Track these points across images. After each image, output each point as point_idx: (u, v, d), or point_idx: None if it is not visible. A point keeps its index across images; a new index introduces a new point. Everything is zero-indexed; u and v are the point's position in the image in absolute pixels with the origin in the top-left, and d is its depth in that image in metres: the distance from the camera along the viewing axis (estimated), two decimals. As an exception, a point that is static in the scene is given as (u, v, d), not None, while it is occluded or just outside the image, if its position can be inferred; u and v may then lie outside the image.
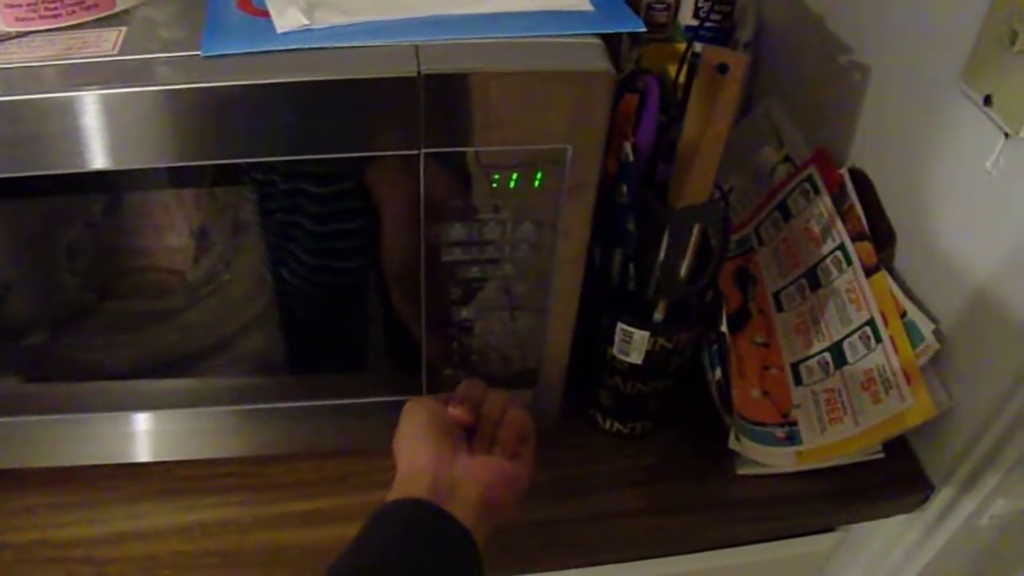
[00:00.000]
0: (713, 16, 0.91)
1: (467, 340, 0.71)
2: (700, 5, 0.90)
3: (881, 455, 0.80)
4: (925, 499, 0.80)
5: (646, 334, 0.73)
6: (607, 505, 0.78)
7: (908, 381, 0.74)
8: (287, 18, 0.57)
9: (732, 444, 0.78)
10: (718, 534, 0.80)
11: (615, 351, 0.75)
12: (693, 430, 0.83)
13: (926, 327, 0.75)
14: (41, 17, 0.56)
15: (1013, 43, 0.63)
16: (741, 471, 0.80)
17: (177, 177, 0.61)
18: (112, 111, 0.53)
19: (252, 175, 0.61)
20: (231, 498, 0.77)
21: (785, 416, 0.81)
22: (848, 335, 0.80)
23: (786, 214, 0.91)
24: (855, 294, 0.81)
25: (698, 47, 0.70)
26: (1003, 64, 0.66)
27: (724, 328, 0.75)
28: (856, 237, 0.82)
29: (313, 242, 0.65)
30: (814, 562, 0.91)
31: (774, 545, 0.85)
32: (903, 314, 0.77)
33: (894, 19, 0.80)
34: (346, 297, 0.72)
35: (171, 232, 0.66)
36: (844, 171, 0.85)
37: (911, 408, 0.74)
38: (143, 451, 0.78)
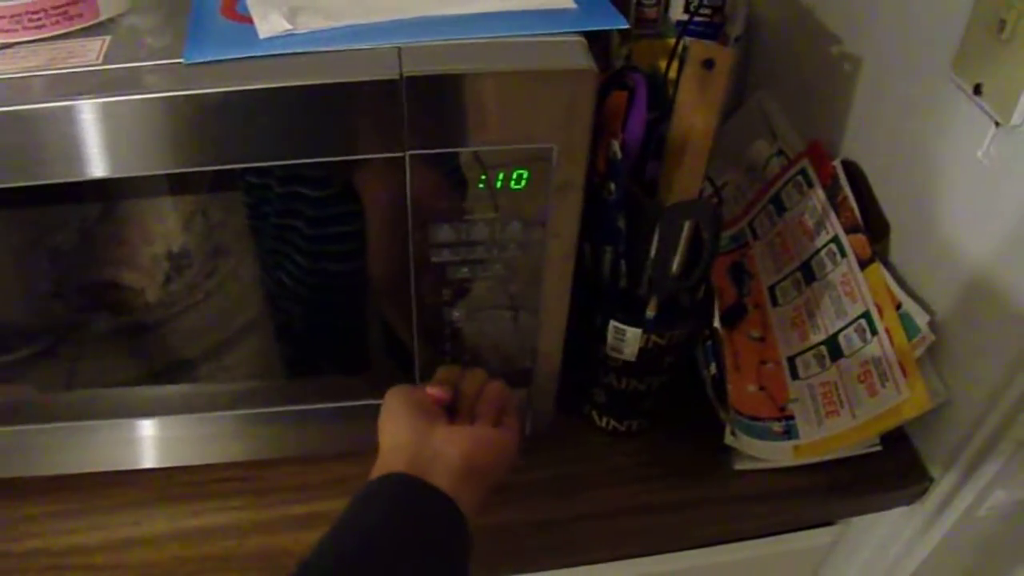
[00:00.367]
0: (703, 11, 0.91)
1: (459, 340, 0.71)
2: (690, 0, 0.90)
3: (879, 447, 0.80)
4: (924, 491, 0.80)
5: (639, 331, 0.73)
6: (604, 503, 0.78)
7: (904, 373, 0.74)
8: (270, 23, 0.57)
9: (728, 440, 0.78)
10: (717, 530, 0.80)
11: (608, 349, 0.75)
12: (689, 426, 0.82)
13: (921, 318, 0.75)
14: (25, 28, 0.56)
15: (1001, 31, 0.63)
16: (738, 466, 0.80)
17: (167, 184, 0.61)
18: (97, 121, 0.54)
19: (246, 179, 0.61)
20: (229, 503, 0.77)
21: (782, 410, 0.81)
22: (843, 328, 0.80)
23: (780, 208, 0.91)
24: (850, 287, 0.80)
25: (689, 42, 0.70)
26: (992, 53, 0.65)
27: (717, 324, 0.75)
28: (850, 229, 0.81)
29: (308, 245, 0.65)
30: (814, 556, 0.91)
31: (773, 540, 0.85)
32: (898, 306, 0.77)
33: (884, 10, 0.80)
34: (341, 300, 0.72)
35: (163, 240, 0.66)
36: (837, 163, 0.85)
37: (908, 400, 0.74)
38: (143, 457, 0.78)
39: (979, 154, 0.69)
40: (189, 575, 0.73)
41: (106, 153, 0.55)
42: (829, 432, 0.78)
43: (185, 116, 0.54)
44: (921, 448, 0.81)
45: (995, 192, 0.69)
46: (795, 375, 0.83)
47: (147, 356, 0.73)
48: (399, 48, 0.56)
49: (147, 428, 0.76)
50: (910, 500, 0.81)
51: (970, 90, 0.68)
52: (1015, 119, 0.64)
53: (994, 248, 0.70)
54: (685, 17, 0.90)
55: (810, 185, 0.87)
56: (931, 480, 0.79)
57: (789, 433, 0.80)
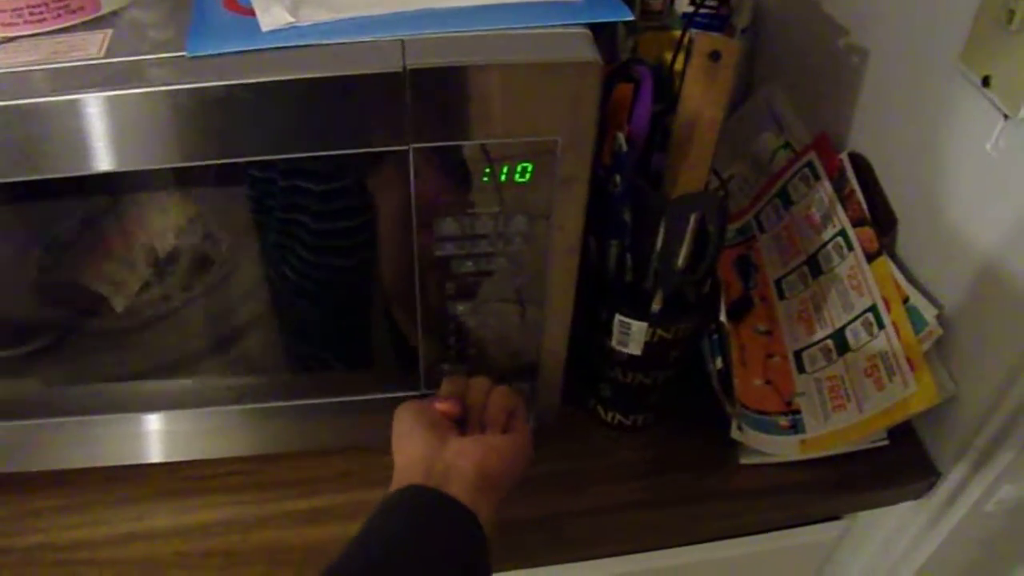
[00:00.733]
0: (709, 2, 0.90)
1: (464, 334, 0.71)
2: (695, -9, 0.90)
3: (886, 442, 0.79)
4: (931, 486, 0.80)
5: (644, 325, 0.72)
6: (610, 497, 0.78)
7: (911, 367, 0.74)
8: (272, 16, 0.56)
9: (734, 434, 0.78)
10: (723, 525, 0.80)
11: (614, 343, 0.75)
12: (695, 421, 0.82)
13: (929, 312, 0.75)
14: (26, 22, 0.56)
15: (1010, 23, 0.63)
16: (744, 461, 0.80)
17: (170, 178, 0.61)
18: (101, 114, 0.53)
19: (249, 173, 0.61)
20: (233, 497, 0.77)
21: (788, 404, 0.81)
22: (850, 321, 0.80)
23: (787, 201, 0.90)
24: (857, 280, 0.80)
25: (695, 34, 0.69)
26: (1001, 45, 0.65)
27: (723, 317, 0.74)
28: (857, 222, 0.81)
29: (313, 240, 0.65)
30: (820, 551, 0.91)
31: (779, 535, 0.84)
32: (905, 299, 0.76)
33: (891, 1, 0.79)
34: (345, 294, 0.72)
35: (166, 234, 0.66)
36: (844, 156, 0.84)
37: (915, 394, 0.73)
38: (149, 452, 0.78)
39: (987, 147, 0.68)
40: (192, 569, 0.73)
41: (111, 147, 0.55)
42: (835, 426, 0.78)
43: (189, 110, 0.54)
44: (928, 442, 0.80)
45: (1003, 185, 0.68)
46: (801, 369, 0.83)
47: (152, 351, 0.73)
48: (403, 40, 0.55)
49: (153, 423, 0.76)
50: (917, 495, 0.81)
51: (978, 82, 0.67)
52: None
53: (1002, 241, 0.69)
54: (691, 9, 0.89)
55: (817, 178, 0.86)
56: (938, 475, 0.79)
57: (795, 427, 0.79)
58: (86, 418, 0.74)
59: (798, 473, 0.79)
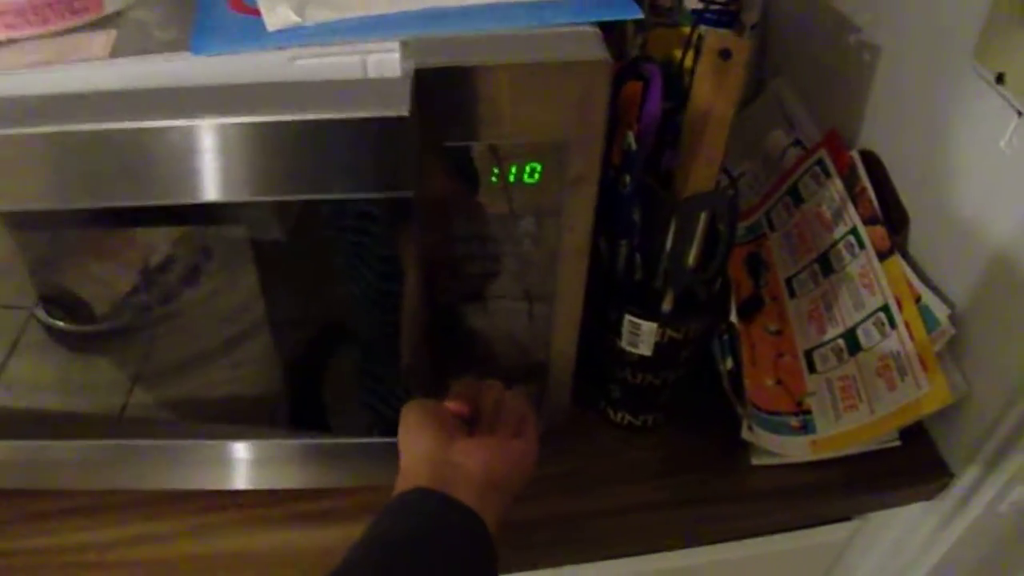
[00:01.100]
0: (718, -1, 0.90)
1: (474, 335, 0.70)
2: (705, -12, 0.89)
3: (897, 443, 0.79)
4: (943, 487, 0.79)
5: (654, 325, 0.72)
6: (620, 498, 0.77)
7: (924, 367, 0.73)
8: (278, 16, 0.56)
9: (745, 434, 0.77)
10: (733, 525, 0.80)
11: (624, 343, 0.75)
12: (706, 421, 0.82)
13: (941, 312, 0.74)
14: (30, 23, 0.55)
15: (1024, 19, 0.62)
16: (755, 461, 0.79)
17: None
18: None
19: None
20: (241, 499, 0.77)
21: (799, 405, 0.80)
22: (862, 321, 0.79)
23: (797, 198, 0.90)
24: (868, 279, 0.79)
25: (704, 31, 0.68)
26: (1015, 42, 0.64)
27: (734, 317, 0.74)
28: (868, 221, 0.80)
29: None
30: (831, 552, 0.90)
31: (790, 535, 0.84)
32: (918, 299, 0.75)
33: (904, -3, 0.78)
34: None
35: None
36: (855, 153, 0.83)
37: (927, 394, 0.72)
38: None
39: (1001, 144, 0.68)
40: (200, 572, 0.73)
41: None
42: (847, 427, 0.77)
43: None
44: (940, 443, 0.80)
45: (1017, 183, 0.67)
46: (812, 369, 0.82)
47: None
48: (404, 42, 0.55)
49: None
50: (929, 496, 0.80)
51: (992, 79, 0.67)
52: (1039, 109, 0.63)
53: (1016, 240, 0.68)
54: (700, 6, 0.89)
55: (827, 175, 0.86)
56: (951, 476, 0.78)
57: (806, 428, 0.79)
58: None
59: (809, 474, 0.78)
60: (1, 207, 0.57)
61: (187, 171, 0.53)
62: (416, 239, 0.61)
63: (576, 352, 0.73)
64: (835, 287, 0.83)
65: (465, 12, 0.57)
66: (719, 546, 0.82)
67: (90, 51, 0.55)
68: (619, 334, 0.74)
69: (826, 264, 0.84)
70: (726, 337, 0.79)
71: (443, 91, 0.54)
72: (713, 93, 0.65)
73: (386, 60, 0.56)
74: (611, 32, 0.58)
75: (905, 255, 0.79)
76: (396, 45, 0.55)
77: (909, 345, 0.74)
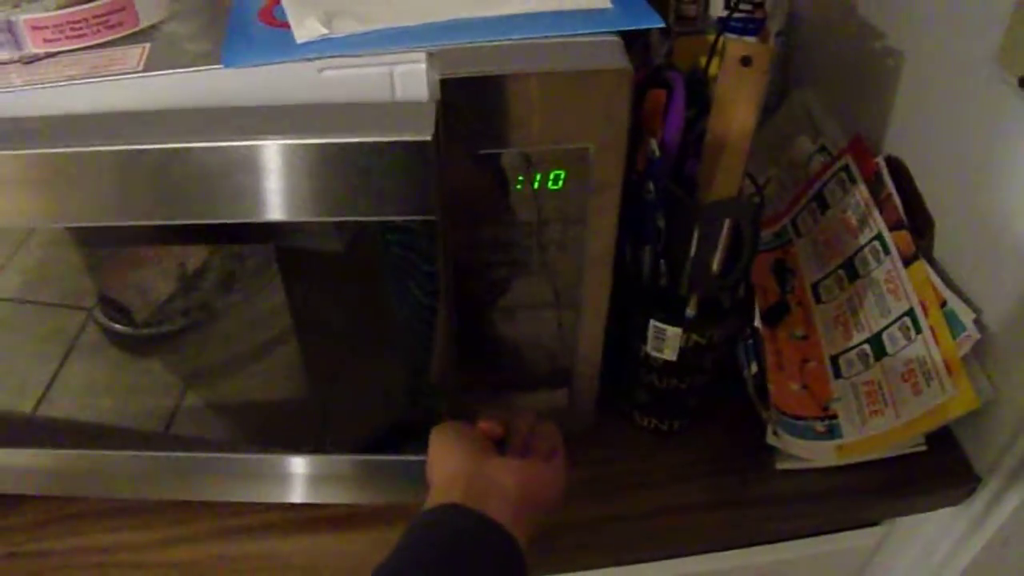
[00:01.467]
0: (744, 6, 0.90)
1: (500, 341, 0.71)
2: (730, -4, 0.90)
3: (924, 447, 0.79)
4: (971, 491, 0.79)
5: (679, 331, 0.72)
6: (646, 502, 0.78)
7: (949, 372, 0.73)
8: (307, 28, 0.57)
9: (770, 439, 0.78)
10: (760, 529, 0.80)
11: (649, 348, 0.75)
12: (732, 425, 0.82)
13: (967, 316, 0.74)
14: (68, 37, 0.57)
15: (1047, 24, 0.62)
16: (781, 466, 0.79)
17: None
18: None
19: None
20: (272, 501, 0.78)
21: (825, 409, 0.80)
22: (887, 326, 0.79)
23: (823, 205, 0.90)
24: (894, 284, 0.79)
25: (726, 39, 0.69)
26: (1037, 46, 0.64)
27: (758, 323, 0.74)
28: (894, 226, 0.80)
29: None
30: (859, 557, 0.90)
31: (817, 540, 0.84)
32: (943, 303, 0.75)
33: (928, 3, 0.78)
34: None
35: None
36: (880, 159, 0.83)
37: (953, 399, 0.72)
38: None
39: (1025, 148, 0.68)
40: (232, 574, 0.74)
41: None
42: (873, 432, 0.77)
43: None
44: (968, 447, 0.79)
45: (1043, 187, 0.67)
46: (838, 374, 0.82)
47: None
48: (431, 52, 0.56)
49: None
50: (957, 501, 0.80)
51: (1015, 82, 0.67)
52: (1062, 112, 0.63)
53: (1042, 244, 0.68)
54: (725, 13, 0.89)
55: (853, 182, 0.86)
56: (978, 480, 0.78)
57: (832, 432, 0.79)
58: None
59: (836, 478, 0.79)
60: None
61: (221, 191, 0.55)
62: (445, 254, 0.62)
63: (602, 357, 0.74)
64: (861, 292, 0.83)
65: (489, 23, 0.58)
66: (746, 550, 0.83)
67: (125, 64, 0.57)
68: (644, 339, 0.75)
69: (852, 270, 0.84)
70: (751, 342, 0.79)
71: (468, 100, 0.56)
72: (735, 100, 0.65)
73: (413, 71, 0.57)
74: (636, 41, 0.59)
75: (930, 260, 0.79)
76: (422, 56, 0.57)
77: (935, 350, 0.74)
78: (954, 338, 0.74)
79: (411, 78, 0.57)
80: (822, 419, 0.80)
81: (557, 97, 0.56)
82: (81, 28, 0.57)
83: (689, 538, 0.78)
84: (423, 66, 0.56)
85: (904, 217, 0.80)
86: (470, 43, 0.57)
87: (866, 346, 0.81)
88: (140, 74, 0.56)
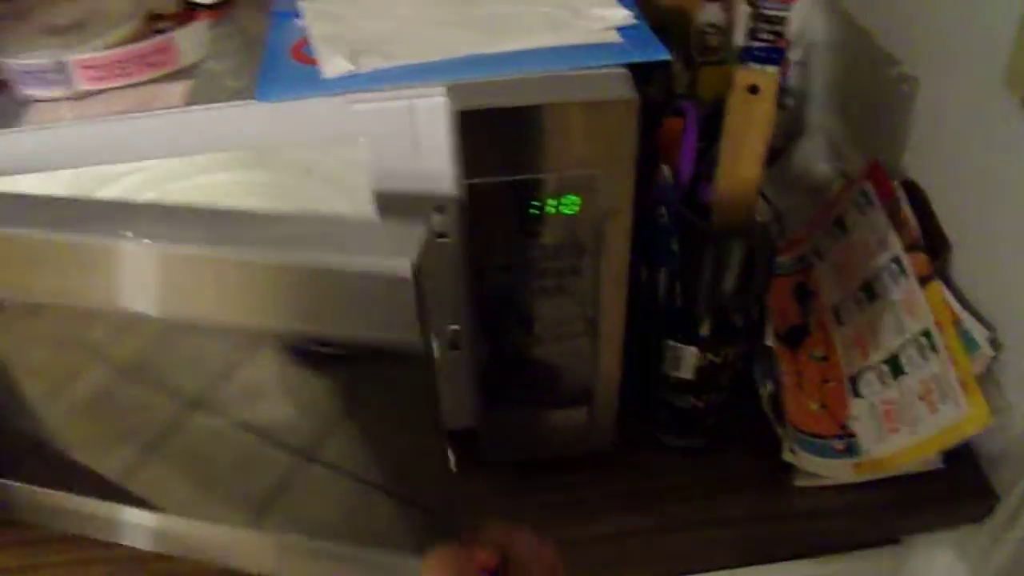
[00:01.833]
0: (764, 36, 0.93)
1: (519, 365, 0.74)
2: (751, 26, 0.92)
3: (942, 465, 0.80)
4: (990, 508, 0.80)
5: (694, 350, 0.75)
6: (664, 520, 0.79)
7: (964, 390, 0.74)
8: (334, 64, 0.61)
9: (786, 455, 0.79)
10: (779, 547, 0.81)
11: (666, 367, 0.77)
12: (751, 443, 0.83)
13: (981, 335, 0.75)
14: (116, 75, 0.62)
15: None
16: (799, 483, 0.81)
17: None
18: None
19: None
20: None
21: (843, 428, 0.82)
22: (904, 346, 0.81)
23: (842, 228, 0.92)
24: (910, 305, 0.81)
25: (734, 68, 0.72)
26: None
27: (770, 341, 0.76)
28: (910, 248, 0.82)
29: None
30: (879, 575, 0.91)
31: (837, 557, 0.85)
32: (958, 323, 0.77)
33: (940, 30, 0.80)
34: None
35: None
36: (897, 183, 0.85)
37: (968, 417, 0.73)
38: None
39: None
40: None
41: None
42: (890, 450, 0.78)
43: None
44: (986, 465, 0.80)
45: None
46: (857, 393, 0.84)
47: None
48: (450, 86, 0.59)
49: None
50: (976, 519, 0.81)
51: (1020, 103, 0.68)
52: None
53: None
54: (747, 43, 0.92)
55: (871, 206, 0.88)
56: (997, 498, 0.79)
57: (850, 450, 0.80)
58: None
59: (854, 495, 0.80)
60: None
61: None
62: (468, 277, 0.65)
63: (620, 376, 0.76)
64: (879, 313, 0.84)
65: (503, 58, 0.62)
66: (764, 567, 0.84)
67: (168, 100, 0.61)
68: (662, 359, 0.77)
69: (870, 291, 0.86)
70: (765, 361, 0.81)
71: (485, 130, 0.59)
72: (743, 128, 0.68)
73: (433, 104, 0.61)
74: (657, 72, 0.62)
75: (946, 281, 0.80)
76: (442, 89, 0.60)
77: (950, 369, 0.76)
78: (969, 356, 0.75)
79: (431, 111, 0.61)
80: (840, 437, 0.82)
81: (568, 126, 0.60)
82: (127, 67, 0.62)
83: (708, 555, 0.80)
84: (442, 99, 0.60)
85: (920, 239, 0.82)
86: (487, 77, 0.60)
87: (884, 366, 0.82)
88: (181, 108, 0.60)
